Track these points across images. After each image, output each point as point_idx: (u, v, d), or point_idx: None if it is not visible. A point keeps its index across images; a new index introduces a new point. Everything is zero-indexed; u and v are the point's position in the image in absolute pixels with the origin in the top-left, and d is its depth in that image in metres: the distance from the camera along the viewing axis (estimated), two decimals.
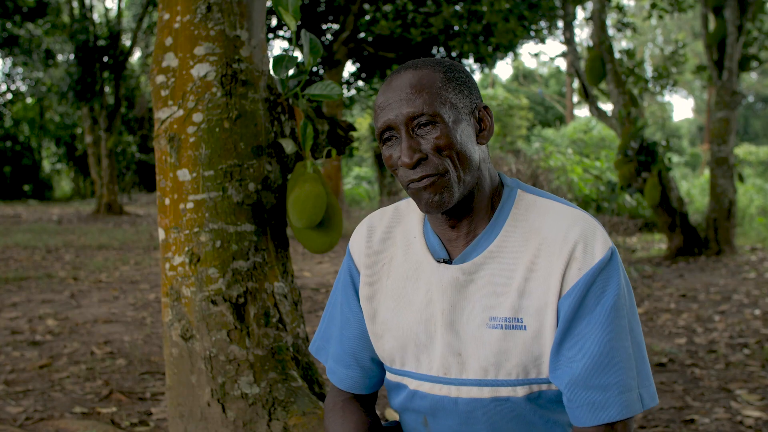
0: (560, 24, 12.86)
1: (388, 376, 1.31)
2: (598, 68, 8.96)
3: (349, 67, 17.40)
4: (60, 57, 18.86)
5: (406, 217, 1.30)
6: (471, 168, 1.17)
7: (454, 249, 1.23)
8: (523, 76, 38.75)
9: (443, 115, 1.14)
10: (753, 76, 33.47)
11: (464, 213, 1.21)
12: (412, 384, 1.25)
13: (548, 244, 1.16)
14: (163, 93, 2.19)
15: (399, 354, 1.25)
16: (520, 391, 1.17)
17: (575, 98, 28.24)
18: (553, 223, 1.17)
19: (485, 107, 1.22)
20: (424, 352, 1.23)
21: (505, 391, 1.17)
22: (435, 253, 1.24)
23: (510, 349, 1.16)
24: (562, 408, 1.20)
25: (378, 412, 3.13)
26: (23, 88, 23.19)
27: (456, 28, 12.23)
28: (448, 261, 1.22)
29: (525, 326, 1.15)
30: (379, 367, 1.35)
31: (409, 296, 1.24)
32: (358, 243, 1.32)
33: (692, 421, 2.99)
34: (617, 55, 9.31)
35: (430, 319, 1.22)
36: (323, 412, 2.05)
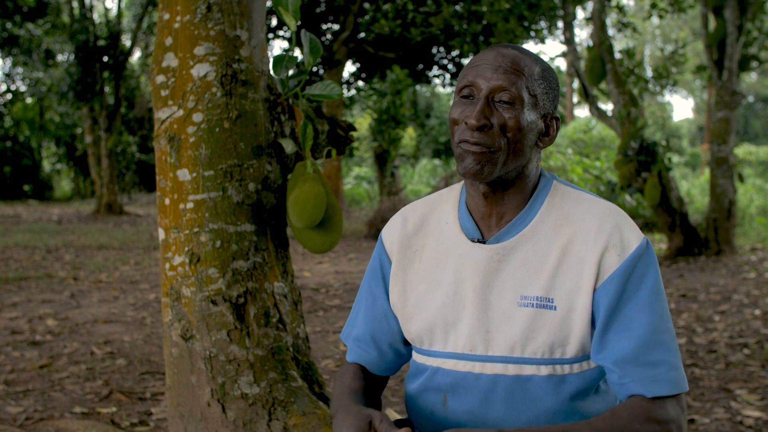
0: (560, 24, 12.86)
1: (416, 358, 1.34)
2: (598, 68, 8.96)
3: (349, 67, 17.43)
4: (60, 57, 18.87)
5: (439, 206, 1.35)
6: (520, 158, 1.21)
7: (487, 231, 1.27)
8: None
9: (524, 101, 1.19)
10: (753, 76, 33.48)
11: (500, 190, 1.24)
12: (436, 362, 1.28)
13: (583, 231, 1.20)
14: (163, 93, 2.19)
15: (427, 335, 1.29)
16: (544, 370, 1.20)
17: (575, 98, 28.24)
18: (587, 212, 1.22)
19: (557, 119, 1.27)
20: (451, 331, 1.26)
21: (529, 369, 1.20)
22: (469, 233, 1.28)
23: (539, 328, 1.19)
24: (582, 397, 1.22)
25: None
26: (23, 88, 23.20)
27: (456, 28, 12.23)
28: (482, 241, 1.26)
29: (555, 306, 1.19)
30: (396, 354, 1.39)
31: (439, 278, 1.28)
32: (391, 232, 1.36)
33: (692, 421, 2.99)
34: (617, 55, 9.31)
35: (459, 298, 1.25)
36: (323, 412, 2.05)
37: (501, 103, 1.19)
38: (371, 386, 1.39)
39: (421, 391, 1.32)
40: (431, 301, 1.28)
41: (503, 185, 1.24)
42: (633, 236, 1.19)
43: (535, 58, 1.24)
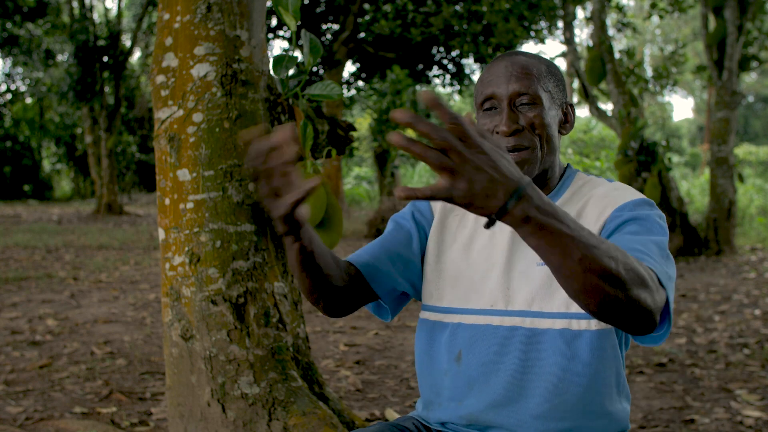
0: (560, 24, 12.86)
1: (427, 316, 1.38)
2: (598, 68, 8.96)
3: (349, 67, 17.42)
4: (60, 57, 18.87)
5: None
6: (552, 150, 1.32)
7: None
8: None
9: (543, 99, 1.30)
10: (753, 76, 33.47)
11: (534, 181, 1.31)
12: (456, 318, 1.34)
13: (594, 198, 1.31)
14: (163, 93, 2.19)
15: (450, 292, 1.36)
16: (558, 324, 1.26)
17: (575, 98, 28.25)
18: (601, 188, 1.34)
19: (571, 105, 1.38)
20: (475, 290, 1.33)
21: (544, 323, 1.27)
22: None
23: (554, 284, 1.25)
24: (595, 355, 1.26)
25: (377, 412, 3.13)
26: (23, 88, 23.20)
27: (456, 28, 12.23)
28: None
29: None
30: (387, 277, 1.38)
31: (474, 243, 1.37)
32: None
33: (692, 421, 2.99)
34: (617, 55, 9.31)
35: (489, 261, 1.33)
36: (323, 412, 2.05)
37: (523, 106, 1.29)
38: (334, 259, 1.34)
39: (437, 351, 1.36)
40: (463, 262, 1.36)
41: (541, 176, 1.34)
42: (634, 194, 1.29)
43: (539, 58, 1.34)
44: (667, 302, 1.12)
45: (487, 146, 0.89)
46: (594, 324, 1.25)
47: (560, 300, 1.26)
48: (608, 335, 1.27)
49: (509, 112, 1.28)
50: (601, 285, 0.96)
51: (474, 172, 0.87)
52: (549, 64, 1.35)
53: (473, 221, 1.39)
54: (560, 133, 1.36)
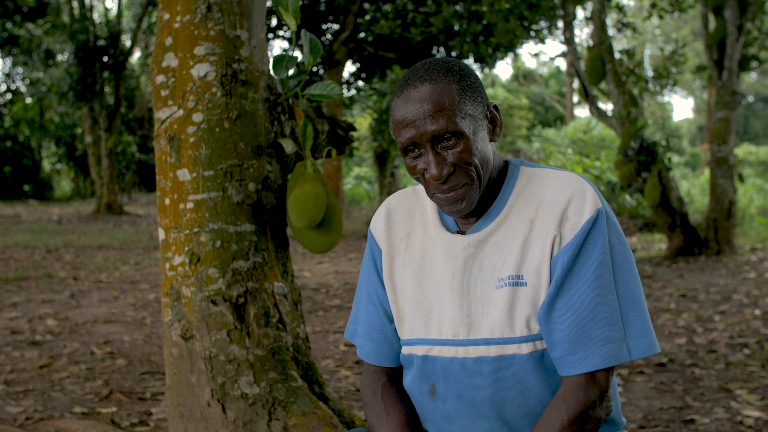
0: (560, 24, 12.86)
1: (403, 349, 1.37)
2: (598, 68, 8.96)
3: (349, 67, 17.41)
4: (60, 57, 18.86)
5: (424, 198, 1.39)
6: (489, 168, 1.26)
7: (466, 225, 1.33)
8: (523, 76, 38.73)
9: (465, 131, 1.21)
10: (753, 76, 33.47)
11: (475, 208, 1.29)
12: (422, 350, 1.31)
13: (545, 204, 1.25)
14: (163, 93, 2.19)
15: (411, 323, 1.33)
16: (525, 349, 1.23)
17: (575, 98, 28.24)
18: (549, 186, 1.26)
19: (494, 106, 1.30)
20: (434, 318, 1.30)
21: (510, 349, 1.24)
22: (449, 228, 1.34)
23: (514, 306, 1.23)
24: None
25: None
26: (23, 88, 23.19)
27: (456, 28, 12.23)
28: (461, 233, 1.32)
29: (525, 282, 1.23)
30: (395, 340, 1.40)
31: (425, 267, 1.33)
32: (378, 222, 1.41)
33: (692, 421, 2.99)
34: (617, 55, 9.31)
35: (439, 287, 1.30)
36: (323, 412, 2.05)
37: (446, 143, 1.21)
38: (402, 406, 1.38)
39: (413, 383, 1.35)
40: (416, 289, 1.33)
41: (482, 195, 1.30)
42: (587, 208, 1.22)
43: (445, 73, 1.22)
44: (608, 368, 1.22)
45: None
46: None
47: (520, 320, 1.23)
48: None
49: (435, 155, 1.21)
50: None
51: None
52: (459, 78, 1.23)
53: (420, 243, 1.34)
54: (491, 141, 1.28)
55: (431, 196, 1.26)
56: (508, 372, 1.24)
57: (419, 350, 1.31)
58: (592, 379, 1.20)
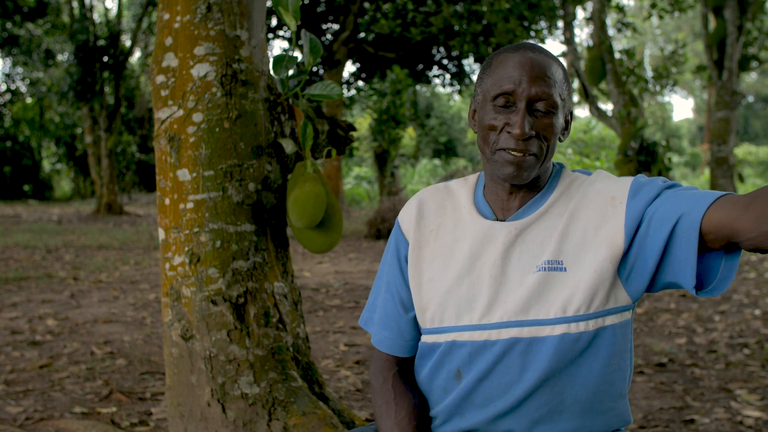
0: (560, 24, 12.85)
1: (425, 338, 1.37)
2: (598, 68, 8.96)
3: (349, 67, 17.44)
4: (60, 57, 18.86)
5: (457, 193, 1.41)
6: (551, 157, 1.31)
7: (505, 214, 1.35)
8: None
9: (559, 108, 1.28)
10: (753, 76, 33.46)
11: (526, 186, 1.33)
12: (450, 337, 1.32)
13: (585, 197, 1.30)
14: (163, 93, 2.19)
15: (440, 311, 1.33)
16: (557, 330, 1.24)
17: (575, 98, 28.23)
18: (586, 184, 1.33)
19: (571, 111, 1.37)
20: (465, 306, 1.30)
21: (543, 330, 1.24)
22: (486, 216, 1.35)
23: (550, 289, 1.25)
24: (595, 356, 1.26)
25: None
26: (23, 88, 23.19)
27: (456, 27, 12.22)
28: (500, 220, 1.34)
29: (565, 268, 1.26)
30: (418, 330, 1.42)
31: (456, 256, 1.33)
32: (408, 214, 1.42)
33: (692, 421, 2.99)
34: (617, 55, 9.31)
35: (475, 274, 1.30)
36: (323, 412, 2.05)
37: (539, 112, 1.26)
38: (411, 397, 1.40)
39: (434, 371, 1.35)
40: (446, 277, 1.33)
41: (535, 178, 1.33)
42: (623, 182, 1.28)
43: (556, 60, 1.31)
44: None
45: None
46: (591, 324, 1.24)
47: (557, 305, 1.24)
48: (606, 334, 1.26)
49: (526, 114, 1.25)
50: None
51: None
52: (564, 69, 1.32)
53: (451, 234, 1.36)
54: (559, 140, 1.34)
55: (497, 150, 1.27)
56: (538, 353, 1.24)
57: (447, 337, 1.32)
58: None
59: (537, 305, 1.25)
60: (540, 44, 1.36)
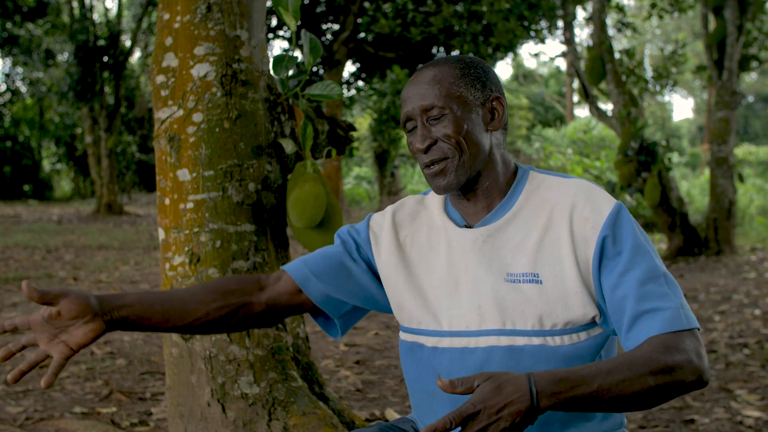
0: (560, 24, 12.85)
1: (405, 336, 1.39)
2: (598, 68, 8.96)
3: (349, 67, 17.41)
4: (60, 57, 18.86)
5: (429, 203, 1.44)
6: (479, 152, 1.31)
7: (474, 220, 1.36)
8: (523, 76, 38.72)
9: (452, 107, 1.29)
10: (753, 76, 33.47)
11: (476, 188, 1.34)
12: (430, 342, 1.33)
13: (559, 208, 1.29)
14: (163, 93, 2.19)
15: (417, 314, 1.35)
16: (536, 341, 1.25)
17: (575, 98, 28.23)
18: (561, 192, 1.32)
19: (498, 98, 1.35)
20: (444, 311, 1.32)
21: (521, 340, 1.26)
22: (457, 223, 1.37)
23: (527, 301, 1.26)
24: (576, 363, 1.26)
25: (377, 412, 3.13)
26: (23, 88, 23.18)
27: (456, 27, 12.23)
28: (469, 227, 1.35)
29: (541, 281, 1.26)
30: (333, 285, 1.41)
31: (432, 262, 1.36)
32: (380, 218, 1.45)
33: (692, 421, 2.99)
34: (617, 55, 9.31)
35: (451, 280, 1.32)
36: (323, 412, 2.05)
37: (434, 119, 1.30)
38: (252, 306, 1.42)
39: (419, 372, 1.36)
40: (424, 282, 1.35)
41: (474, 180, 1.33)
42: (604, 205, 1.27)
43: (452, 61, 1.33)
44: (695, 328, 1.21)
45: (486, 411, 1.06)
46: (567, 339, 1.25)
47: (532, 316, 1.25)
48: (588, 344, 1.27)
49: (422, 128, 1.30)
50: (646, 399, 1.12)
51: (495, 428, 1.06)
52: (463, 66, 1.33)
53: (425, 241, 1.38)
54: (488, 131, 1.33)
55: (423, 171, 1.33)
56: (517, 362, 1.25)
57: (427, 341, 1.33)
58: (678, 336, 1.21)
59: (514, 315, 1.26)
60: (445, 55, 1.37)
